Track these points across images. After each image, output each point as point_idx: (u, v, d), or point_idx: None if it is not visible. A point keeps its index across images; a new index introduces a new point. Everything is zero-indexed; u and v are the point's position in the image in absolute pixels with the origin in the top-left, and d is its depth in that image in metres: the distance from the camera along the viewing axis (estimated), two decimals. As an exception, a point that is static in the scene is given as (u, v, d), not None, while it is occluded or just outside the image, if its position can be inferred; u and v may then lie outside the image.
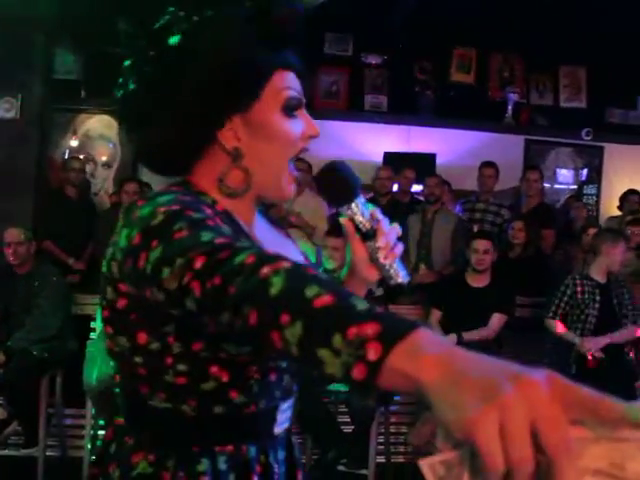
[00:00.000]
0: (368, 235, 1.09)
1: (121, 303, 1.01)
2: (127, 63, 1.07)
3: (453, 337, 4.02)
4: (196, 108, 1.03)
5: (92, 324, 4.12)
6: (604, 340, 4.04)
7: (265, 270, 0.74)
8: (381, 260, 1.08)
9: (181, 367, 0.99)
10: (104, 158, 6.69)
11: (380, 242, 1.08)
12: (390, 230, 1.10)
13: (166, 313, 0.92)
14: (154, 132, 1.06)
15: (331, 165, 1.11)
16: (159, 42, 1.04)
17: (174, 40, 1.02)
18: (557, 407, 0.53)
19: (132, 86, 1.06)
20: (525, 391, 0.53)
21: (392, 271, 1.08)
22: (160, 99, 1.04)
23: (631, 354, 4.19)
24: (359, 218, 1.09)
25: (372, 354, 0.62)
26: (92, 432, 3.73)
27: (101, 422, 3.75)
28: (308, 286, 0.70)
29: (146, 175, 6.21)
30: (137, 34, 1.07)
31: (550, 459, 0.52)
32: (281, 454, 1.13)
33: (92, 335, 4.08)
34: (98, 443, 3.79)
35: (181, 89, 1.02)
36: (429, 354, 0.59)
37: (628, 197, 6.17)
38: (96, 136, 6.65)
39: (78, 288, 4.59)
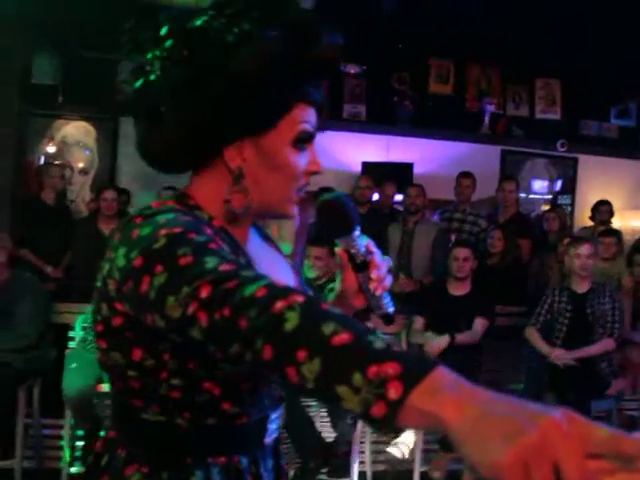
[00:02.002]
0: (361, 266, 1.13)
1: (117, 321, 1.00)
2: (153, 54, 1.04)
3: (446, 338, 4.04)
4: (210, 119, 1.00)
5: (70, 333, 4.07)
6: (574, 354, 4.09)
7: (279, 305, 0.75)
8: (372, 291, 1.12)
9: (175, 381, 0.99)
10: (81, 165, 6.62)
11: (373, 274, 1.11)
12: (382, 262, 1.13)
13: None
14: (162, 129, 1.03)
15: (334, 197, 1.13)
16: (194, 43, 1.01)
17: (211, 47, 0.99)
18: (576, 444, 0.57)
19: (153, 77, 1.03)
20: (546, 431, 0.57)
21: (381, 302, 1.13)
22: (178, 99, 1.01)
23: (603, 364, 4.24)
24: (354, 250, 1.12)
25: (393, 393, 0.65)
26: (70, 443, 3.69)
27: (80, 432, 3.71)
28: (324, 323, 0.72)
29: (124, 182, 6.20)
30: (169, 29, 1.03)
31: None
32: (269, 463, 1.14)
33: (71, 344, 4.04)
34: (77, 453, 3.75)
35: (202, 95, 0.99)
36: (451, 394, 0.63)
37: (599, 208, 6.27)
38: (73, 142, 6.57)
39: (56, 296, 4.53)
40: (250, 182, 1.05)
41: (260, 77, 0.98)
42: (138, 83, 1.05)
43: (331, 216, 1.12)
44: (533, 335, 4.27)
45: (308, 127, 1.06)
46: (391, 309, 1.14)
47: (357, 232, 1.12)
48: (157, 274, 0.86)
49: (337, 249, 1.15)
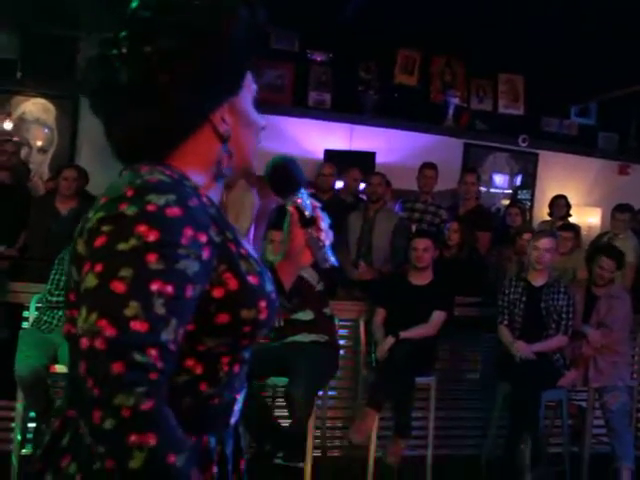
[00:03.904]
0: (309, 221, 1.27)
1: None
2: (123, 34, 1.03)
3: (390, 339, 4.04)
4: (199, 89, 1.04)
5: (25, 313, 3.99)
6: (535, 348, 4.15)
7: (132, 438, 0.82)
8: (320, 243, 1.27)
9: None
10: (39, 143, 6.47)
11: (321, 225, 1.27)
12: (324, 216, 1.29)
13: None
14: (146, 115, 1.02)
15: (281, 159, 1.27)
16: (175, 19, 1.02)
17: (193, 20, 1.02)
18: None
19: (122, 73, 1.02)
20: None
21: (326, 255, 1.28)
22: (174, 69, 1.01)
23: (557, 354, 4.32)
24: (303, 206, 1.27)
25: None
26: (22, 425, 3.62)
27: (32, 414, 3.65)
28: None
29: (84, 161, 6.08)
30: (142, 6, 1.04)
31: None
32: (231, 443, 1.14)
33: (24, 324, 3.96)
34: (28, 436, 3.68)
35: (187, 68, 1.02)
36: None
37: (557, 202, 6.36)
38: (32, 119, 6.42)
39: (10, 275, 4.42)
40: (232, 143, 1.12)
41: (239, 37, 1.06)
42: (108, 74, 1.03)
43: (280, 176, 1.26)
44: (503, 332, 4.29)
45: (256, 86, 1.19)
46: (335, 262, 1.28)
47: (303, 191, 1.27)
48: (92, 272, 0.89)
49: (288, 207, 1.28)
